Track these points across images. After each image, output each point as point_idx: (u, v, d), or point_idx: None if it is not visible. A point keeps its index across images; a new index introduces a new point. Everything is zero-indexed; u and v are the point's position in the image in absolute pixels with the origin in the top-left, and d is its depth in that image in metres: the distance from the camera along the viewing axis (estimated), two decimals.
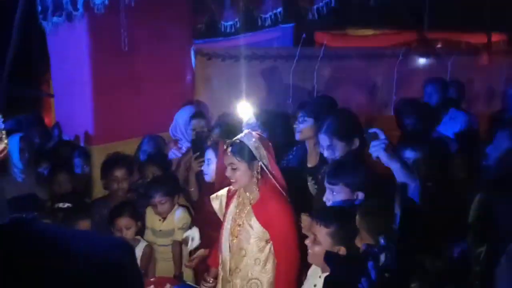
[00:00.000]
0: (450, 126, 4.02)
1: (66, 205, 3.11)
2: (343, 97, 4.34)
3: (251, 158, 2.25)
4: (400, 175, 1.92)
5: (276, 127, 3.28)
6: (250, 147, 2.24)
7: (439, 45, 5.72)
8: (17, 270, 0.53)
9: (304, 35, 4.47)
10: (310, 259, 2.00)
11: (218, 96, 4.23)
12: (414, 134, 3.07)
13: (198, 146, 3.13)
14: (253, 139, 2.26)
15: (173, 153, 3.65)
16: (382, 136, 1.99)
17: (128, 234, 2.92)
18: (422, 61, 5.07)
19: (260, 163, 2.25)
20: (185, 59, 4.08)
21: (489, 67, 5.46)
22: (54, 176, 3.36)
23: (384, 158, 1.93)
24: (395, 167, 1.92)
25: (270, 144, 2.35)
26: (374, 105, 4.81)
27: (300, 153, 2.99)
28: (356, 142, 2.32)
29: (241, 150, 2.25)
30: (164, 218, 3.06)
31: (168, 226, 3.04)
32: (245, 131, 2.33)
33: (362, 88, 4.77)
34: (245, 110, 3.33)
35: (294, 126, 3.03)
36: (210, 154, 2.84)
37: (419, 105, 3.60)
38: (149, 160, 3.48)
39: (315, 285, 2.05)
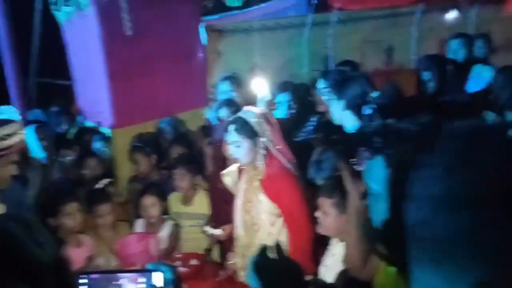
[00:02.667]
0: (476, 82, 3.88)
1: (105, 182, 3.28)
2: (359, 61, 4.24)
3: (253, 135, 2.25)
4: None
5: (305, 98, 3.27)
6: (252, 124, 2.24)
7: None
8: None
9: (316, 1, 4.36)
10: (320, 229, 2.02)
11: (232, 70, 4.21)
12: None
13: (209, 131, 3.15)
14: (255, 116, 2.26)
15: None
16: None
17: (153, 212, 3.02)
18: (441, 17, 4.84)
19: (263, 139, 2.25)
20: (196, 36, 4.07)
21: None
22: (83, 161, 3.50)
23: None
24: None
25: (274, 119, 2.34)
26: (392, 67, 4.68)
27: (319, 123, 2.98)
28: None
29: (242, 127, 2.26)
30: (189, 202, 3.13)
31: (195, 209, 3.11)
32: (247, 107, 2.33)
33: (379, 50, 4.63)
34: (259, 85, 3.30)
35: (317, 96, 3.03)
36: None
37: (438, 60, 3.44)
38: (174, 141, 3.55)
39: (334, 254, 2.06)
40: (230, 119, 2.33)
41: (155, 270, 1.03)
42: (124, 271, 1.08)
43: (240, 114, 2.30)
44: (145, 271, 1.04)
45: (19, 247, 0.69)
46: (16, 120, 2.06)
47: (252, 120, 2.25)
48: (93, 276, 1.02)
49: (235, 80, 3.55)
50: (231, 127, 2.29)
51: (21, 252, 0.69)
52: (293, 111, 3.26)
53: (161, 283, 1.02)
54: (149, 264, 1.06)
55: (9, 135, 1.95)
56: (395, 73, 4.53)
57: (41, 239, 0.73)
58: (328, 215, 1.91)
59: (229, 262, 2.64)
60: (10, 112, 2.01)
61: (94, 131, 4.04)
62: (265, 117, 2.29)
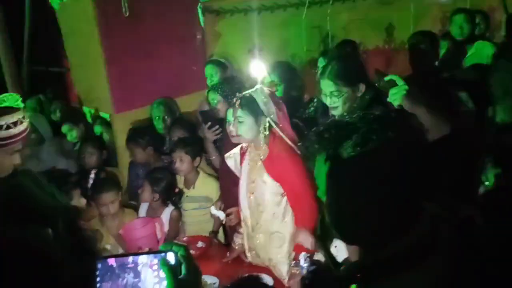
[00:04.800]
0: (475, 58, 3.87)
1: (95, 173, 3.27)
2: (359, 39, 4.21)
3: (258, 113, 2.25)
4: (428, 119, 1.79)
5: (293, 79, 3.24)
6: (259, 102, 2.23)
7: None
8: None
9: None
10: None
11: (231, 52, 4.18)
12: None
13: (209, 115, 3.12)
14: (263, 95, 2.24)
15: None
16: (400, 82, 1.90)
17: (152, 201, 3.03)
18: None
19: (268, 119, 2.24)
20: (193, 18, 4.01)
21: None
22: (81, 148, 3.48)
23: (407, 105, 1.84)
24: (421, 111, 1.80)
25: (281, 101, 2.33)
26: (392, 45, 4.64)
27: (321, 104, 2.96)
28: (362, 88, 2.21)
29: (249, 104, 2.24)
30: (191, 186, 3.12)
31: (197, 192, 3.10)
32: (256, 86, 2.31)
33: (378, 28, 4.59)
34: (259, 67, 3.28)
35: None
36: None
37: (431, 36, 3.39)
38: (174, 124, 3.51)
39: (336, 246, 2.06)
40: (239, 95, 2.31)
41: (167, 251, 1.02)
42: (137, 254, 1.08)
43: (249, 91, 2.28)
44: (158, 252, 1.04)
45: (32, 195, 0.76)
46: (20, 108, 2.03)
47: (259, 98, 2.24)
48: (109, 260, 1.01)
49: (219, 63, 3.54)
50: (237, 102, 2.28)
51: (34, 200, 0.74)
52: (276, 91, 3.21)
53: (173, 263, 1.01)
54: (161, 245, 1.06)
55: (14, 124, 1.92)
56: (396, 51, 4.52)
57: (49, 189, 0.78)
58: None
59: (235, 244, 2.65)
60: (14, 100, 1.97)
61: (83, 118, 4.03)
62: (272, 97, 2.28)
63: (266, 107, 2.23)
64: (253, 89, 2.30)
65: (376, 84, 2.13)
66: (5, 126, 1.89)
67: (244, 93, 2.31)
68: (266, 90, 2.29)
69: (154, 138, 3.46)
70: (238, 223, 2.67)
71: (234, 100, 2.32)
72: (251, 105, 2.25)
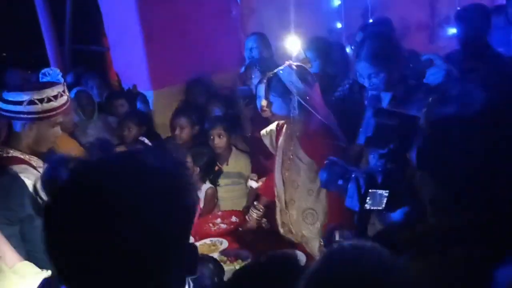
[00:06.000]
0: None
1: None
2: (401, 15, 4.06)
3: (287, 93, 2.21)
4: None
5: (329, 55, 3.17)
6: (285, 82, 2.19)
7: None
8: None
9: None
10: None
11: (266, 28, 4.12)
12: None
13: (246, 92, 3.12)
14: (290, 73, 2.20)
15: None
16: (439, 61, 1.83)
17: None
18: None
19: (297, 97, 2.20)
20: None
21: None
22: (124, 122, 3.55)
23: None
24: None
25: (311, 77, 2.28)
26: (435, 21, 4.45)
27: (357, 81, 2.90)
28: (400, 65, 2.12)
29: (276, 85, 2.22)
30: (224, 162, 3.15)
31: (230, 168, 3.14)
32: (285, 63, 2.27)
33: (421, 2, 4.40)
34: (294, 43, 3.22)
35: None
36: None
37: (482, 10, 3.16)
38: (210, 100, 3.53)
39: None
40: (266, 75, 2.29)
41: None
42: None
43: (276, 71, 2.25)
44: None
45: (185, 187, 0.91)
46: (60, 82, 2.09)
47: (287, 77, 2.20)
48: None
49: (261, 36, 3.50)
50: (265, 84, 2.27)
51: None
52: (310, 67, 3.15)
53: None
54: None
55: (55, 97, 1.98)
56: (440, 26, 4.33)
57: None
58: None
59: (249, 217, 2.69)
60: (55, 74, 2.04)
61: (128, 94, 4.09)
62: (302, 74, 2.23)
63: (294, 86, 2.19)
64: (280, 68, 2.26)
65: (411, 65, 2.06)
66: (46, 99, 1.95)
67: (270, 73, 2.28)
68: (295, 67, 2.24)
69: (204, 119, 3.34)
70: (257, 197, 2.72)
71: (264, 80, 2.31)
72: (278, 86, 2.22)
